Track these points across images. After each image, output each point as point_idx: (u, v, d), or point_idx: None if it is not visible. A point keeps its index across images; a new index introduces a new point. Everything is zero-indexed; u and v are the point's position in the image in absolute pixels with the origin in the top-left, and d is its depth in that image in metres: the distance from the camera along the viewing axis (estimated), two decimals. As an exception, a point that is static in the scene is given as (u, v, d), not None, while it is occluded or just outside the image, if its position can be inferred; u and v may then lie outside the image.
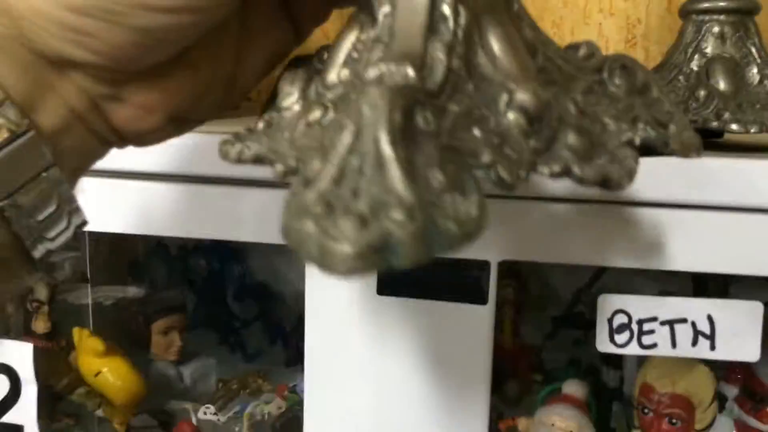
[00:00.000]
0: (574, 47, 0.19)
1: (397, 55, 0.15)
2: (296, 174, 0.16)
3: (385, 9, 0.16)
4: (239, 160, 0.17)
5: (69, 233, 0.17)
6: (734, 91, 0.35)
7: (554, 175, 0.15)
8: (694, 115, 0.34)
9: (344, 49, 0.17)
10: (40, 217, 0.17)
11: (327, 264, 0.12)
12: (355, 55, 0.17)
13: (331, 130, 0.15)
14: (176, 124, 0.20)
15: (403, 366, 0.35)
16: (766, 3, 0.63)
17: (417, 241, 0.12)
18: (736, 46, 0.36)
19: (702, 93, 0.34)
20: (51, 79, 0.17)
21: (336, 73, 0.17)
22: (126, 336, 0.48)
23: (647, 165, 0.18)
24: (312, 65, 0.18)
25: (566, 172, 0.15)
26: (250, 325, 0.59)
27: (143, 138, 0.20)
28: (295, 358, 0.53)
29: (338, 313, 0.35)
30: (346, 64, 0.17)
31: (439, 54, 0.15)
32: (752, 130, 0.32)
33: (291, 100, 0.17)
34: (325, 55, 0.18)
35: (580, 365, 0.48)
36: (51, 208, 0.17)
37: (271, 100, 0.18)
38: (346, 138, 0.13)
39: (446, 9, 0.16)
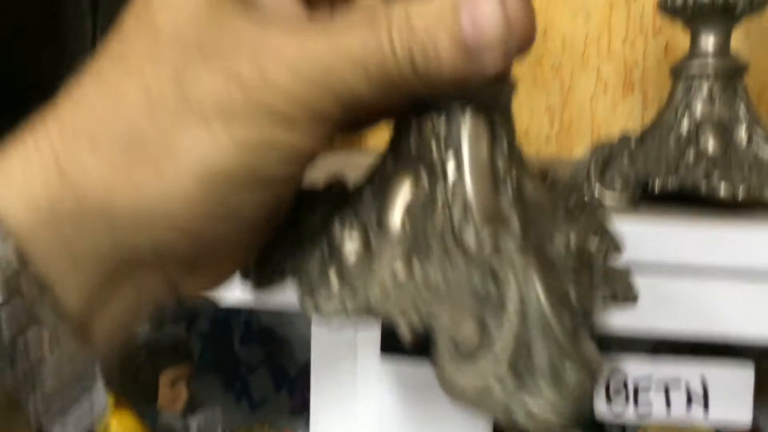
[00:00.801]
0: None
1: (485, 216, 0.16)
2: (422, 328, 0.16)
3: (451, 165, 0.17)
4: (344, 314, 0.16)
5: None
6: (723, 152, 0.36)
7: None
8: (683, 178, 0.35)
9: (401, 195, 0.17)
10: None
11: (519, 423, 0.14)
12: (414, 203, 0.17)
13: (455, 288, 0.16)
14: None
15: (407, 417, 0.35)
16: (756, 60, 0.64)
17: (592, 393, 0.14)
18: (725, 107, 0.37)
19: (691, 155, 0.35)
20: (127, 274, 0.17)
21: (397, 219, 0.17)
22: (133, 384, 0.49)
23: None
24: (350, 203, 0.18)
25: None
26: (255, 370, 0.60)
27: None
28: (301, 406, 0.53)
29: (344, 362, 0.36)
30: (407, 211, 0.17)
31: (510, 209, 0.16)
32: (741, 195, 0.33)
33: (352, 246, 0.17)
34: (365, 194, 0.18)
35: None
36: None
37: (322, 240, 0.18)
38: (512, 305, 0.14)
39: (501, 164, 0.17)
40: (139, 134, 0.16)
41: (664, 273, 0.32)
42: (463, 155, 0.17)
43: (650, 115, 0.76)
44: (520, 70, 0.77)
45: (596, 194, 0.36)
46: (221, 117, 0.16)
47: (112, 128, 0.16)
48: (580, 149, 0.78)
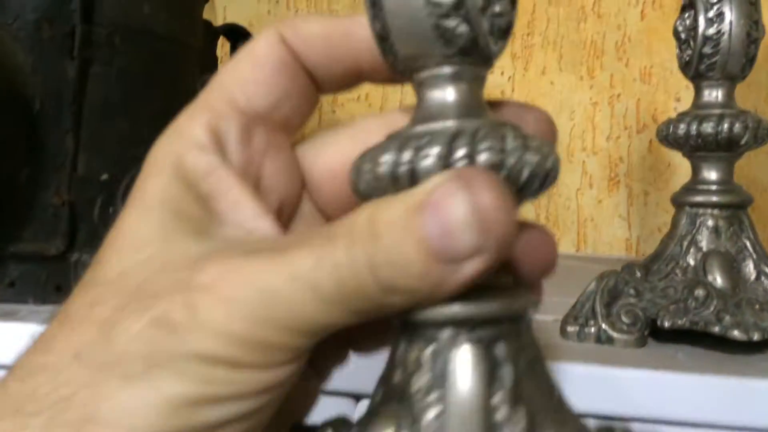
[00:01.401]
0: None
1: None
2: None
3: (432, 413, 0.14)
4: None
5: None
6: (732, 288, 0.35)
7: None
8: (694, 316, 0.33)
9: None
10: None
11: None
12: None
13: None
14: None
15: None
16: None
17: None
18: (731, 240, 0.36)
19: (700, 293, 0.34)
20: None
21: None
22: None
23: None
24: None
25: None
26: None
27: None
28: None
29: None
30: None
31: None
32: (755, 338, 0.32)
33: None
34: None
35: None
36: None
37: None
38: None
39: (501, 414, 0.14)
40: (64, 400, 0.13)
41: None
42: (449, 402, 0.14)
43: (636, 211, 0.76)
44: (506, 163, 0.77)
45: (604, 333, 0.34)
46: (147, 371, 0.13)
47: (41, 396, 0.14)
48: (566, 242, 0.77)
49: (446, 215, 0.13)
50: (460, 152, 0.14)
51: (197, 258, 0.14)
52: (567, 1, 0.77)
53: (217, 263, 0.14)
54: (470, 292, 0.14)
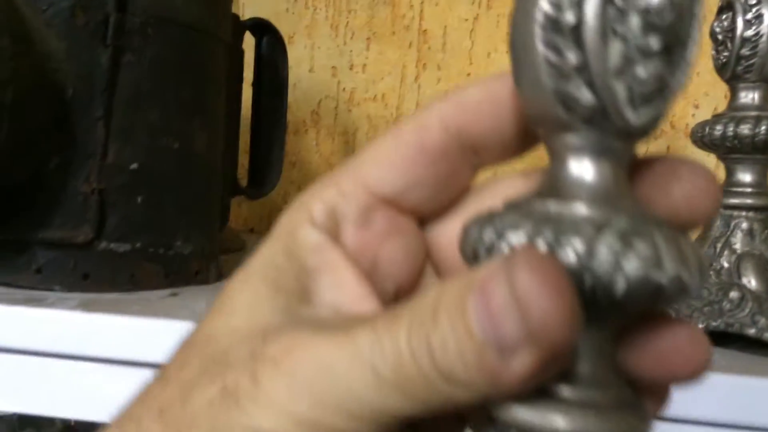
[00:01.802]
0: None
1: None
2: None
3: None
4: None
5: None
6: (766, 290, 0.34)
7: None
8: (728, 318, 0.33)
9: None
10: None
11: None
12: None
13: None
14: None
15: None
16: None
17: None
18: (765, 243, 0.36)
19: (735, 294, 0.33)
20: None
21: None
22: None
23: None
24: None
25: None
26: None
27: None
28: None
29: None
30: None
31: None
32: (792, 340, 0.31)
33: None
34: None
35: None
36: None
37: None
38: None
39: None
40: None
41: None
42: None
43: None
44: (521, 167, 0.77)
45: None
46: None
47: None
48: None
49: (489, 298, 0.12)
50: (603, 252, 0.12)
51: (274, 330, 0.14)
52: (587, 5, 0.77)
53: (287, 336, 0.14)
54: (544, 394, 0.12)
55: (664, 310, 0.14)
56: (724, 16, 0.37)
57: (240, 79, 0.50)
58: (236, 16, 0.48)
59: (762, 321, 0.33)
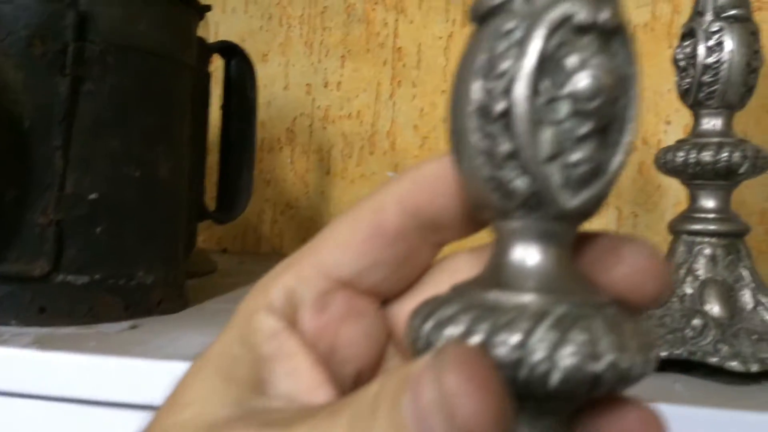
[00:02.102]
0: None
1: None
2: None
3: None
4: None
5: None
6: (730, 317, 0.34)
7: None
8: (691, 346, 0.33)
9: None
10: None
11: None
12: None
13: None
14: None
15: None
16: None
17: None
18: (728, 269, 0.36)
19: (697, 322, 0.33)
20: None
21: None
22: None
23: None
24: None
25: None
26: None
27: None
28: None
29: None
30: None
31: None
32: (753, 369, 0.31)
33: None
34: None
35: None
36: None
37: None
38: None
39: None
40: None
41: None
42: None
43: (625, 232, 0.76)
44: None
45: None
46: None
47: None
48: (557, 264, 0.77)
49: (419, 396, 0.11)
50: (538, 344, 0.12)
51: (222, 425, 0.14)
52: (559, 23, 0.77)
53: None
54: None
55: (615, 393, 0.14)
56: (686, 43, 0.37)
57: (206, 103, 0.50)
58: (202, 40, 0.48)
59: (724, 349, 0.32)
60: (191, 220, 0.47)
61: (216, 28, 0.81)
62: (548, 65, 0.12)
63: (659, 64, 0.70)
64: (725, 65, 0.35)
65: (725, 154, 0.35)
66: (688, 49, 0.37)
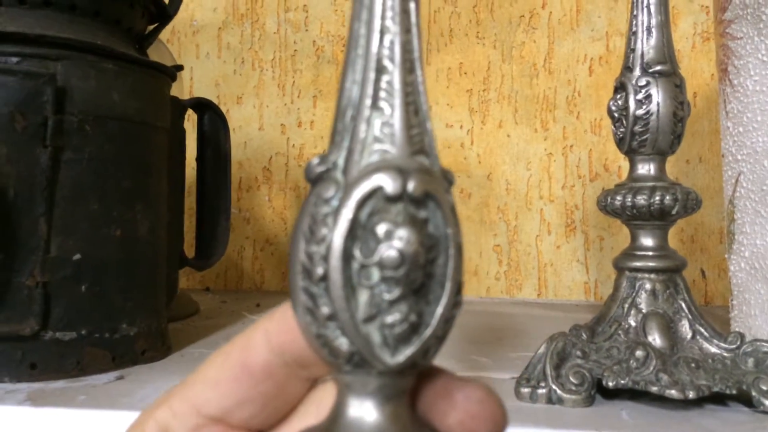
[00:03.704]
0: None
1: None
2: None
3: None
4: None
5: None
6: (670, 347, 0.37)
7: None
8: (635, 376, 0.36)
9: None
10: None
11: None
12: None
13: None
14: None
15: None
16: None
17: None
18: (667, 302, 0.39)
19: (640, 353, 0.36)
20: None
21: None
22: None
23: None
24: None
25: None
26: None
27: None
28: None
29: None
30: None
31: None
32: (690, 396, 0.34)
33: None
34: None
35: None
36: None
37: None
38: None
39: None
40: None
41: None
42: None
43: (593, 256, 0.80)
44: (467, 212, 0.80)
45: (554, 394, 0.36)
46: None
47: None
48: (528, 287, 0.80)
49: None
50: None
51: None
52: (519, 58, 0.81)
53: None
54: None
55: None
56: (618, 96, 0.40)
57: (183, 158, 0.52)
58: (176, 99, 0.50)
59: (664, 378, 0.35)
60: (171, 269, 0.50)
61: (191, 73, 0.84)
62: (360, 233, 0.13)
63: (615, 94, 0.74)
64: (654, 116, 0.39)
65: (657, 198, 0.38)
66: (620, 102, 0.40)
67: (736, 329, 0.53)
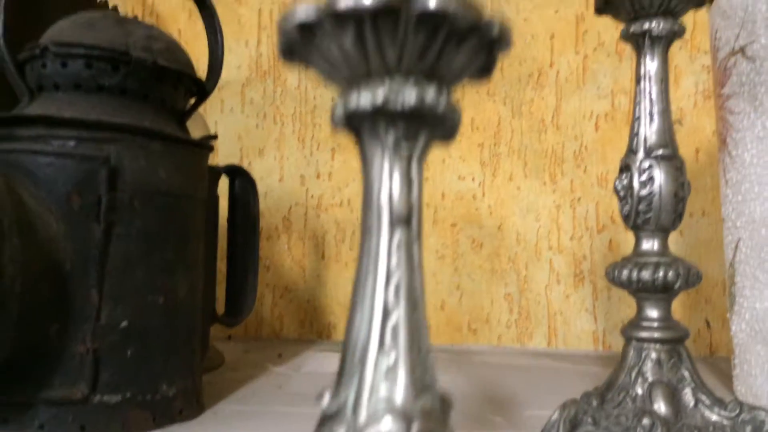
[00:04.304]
0: None
1: None
2: None
3: None
4: None
5: None
6: (674, 415, 0.40)
7: None
8: (643, 442, 0.39)
9: None
10: None
11: None
12: None
13: None
14: None
15: None
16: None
17: None
18: (672, 371, 0.42)
19: (647, 422, 0.39)
20: None
21: None
22: None
23: None
24: None
25: None
26: None
27: None
28: None
29: None
30: None
31: None
32: (694, 463, 0.37)
33: None
34: None
35: None
36: None
37: None
38: None
39: None
40: None
41: None
42: None
43: (601, 305, 0.82)
44: (479, 262, 0.83)
45: (567, 458, 0.39)
46: None
47: None
48: (538, 336, 0.83)
49: None
50: None
51: None
52: (529, 114, 0.85)
53: None
54: None
55: None
56: (624, 176, 0.43)
57: (217, 223, 0.56)
58: (212, 168, 0.54)
59: (670, 444, 0.38)
60: (205, 327, 0.53)
61: (215, 127, 0.88)
62: None
63: (620, 150, 0.78)
64: (656, 196, 0.42)
65: (661, 273, 0.41)
66: (625, 181, 0.43)
67: (739, 387, 0.56)
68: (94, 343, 0.42)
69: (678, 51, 0.81)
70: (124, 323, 0.43)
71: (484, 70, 0.17)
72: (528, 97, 0.85)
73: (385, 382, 0.15)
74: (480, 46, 0.16)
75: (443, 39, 0.15)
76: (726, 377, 0.62)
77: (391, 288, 0.16)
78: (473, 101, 0.85)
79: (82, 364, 0.41)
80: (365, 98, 0.16)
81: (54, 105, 0.44)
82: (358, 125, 0.17)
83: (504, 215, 0.84)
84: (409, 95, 0.15)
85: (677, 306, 0.68)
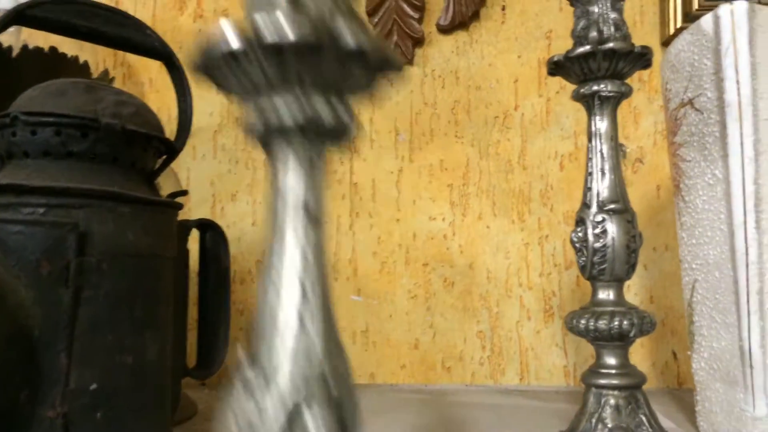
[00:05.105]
0: None
1: None
2: None
3: None
4: None
5: None
6: (634, 460, 0.41)
7: None
8: (603, 489, 0.40)
9: None
10: None
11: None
12: None
13: None
14: None
15: None
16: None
17: None
18: (630, 416, 0.43)
19: (608, 467, 0.40)
20: None
21: None
22: None
23: None
24: None
25: None
26: None
27: None
28: None
29: None
30: None
31: None
32: None
33: None
34: None
35: None
36: None
37: None
38: None
39: None
40: None
41: None
42: None
43: (571, 340, 0.84)
44: (451, 300, 0.85)
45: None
46: None
47: None
48: (511, 372, 0.84)
49: None
50: None
51: None
52: (496, 155, 0.87)
53: None
54: None
55: None
56: (579, 229, 0.45)
57: (186, 276, 0.57)
58: (182, 222, 0.55)
59: (629, 491, 0.40)
60: (175, 381, 0.53)
61: (188, 173, 0.89)
62: None
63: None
64: (610, 249, 0.44)
65: (616, 323, 0.43)
66: (580, 234, 0.45)
67: (702, 423, 0.58)
68: (64, 407, 0.42)
69: (637, 93, 0.84)
70: (94, 386, 0.43)
71: (369, 89, 0.21)
72: (495, 138, 0.87)
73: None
74: (376, 72, 0.20)
75: (356, 68, 0.19)
76: (692, 410, 0.64)
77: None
78: (442, 143, 0.88)
79: (52, 428, 0.42)
80: (286, 115, 0.20)
81: (23, 172, 0.45)
82: (275, 137, 0.20)
83: (474, 254, 0.86)
84: (324, 112, 0.20)
85: (644, 338, 0.70)
